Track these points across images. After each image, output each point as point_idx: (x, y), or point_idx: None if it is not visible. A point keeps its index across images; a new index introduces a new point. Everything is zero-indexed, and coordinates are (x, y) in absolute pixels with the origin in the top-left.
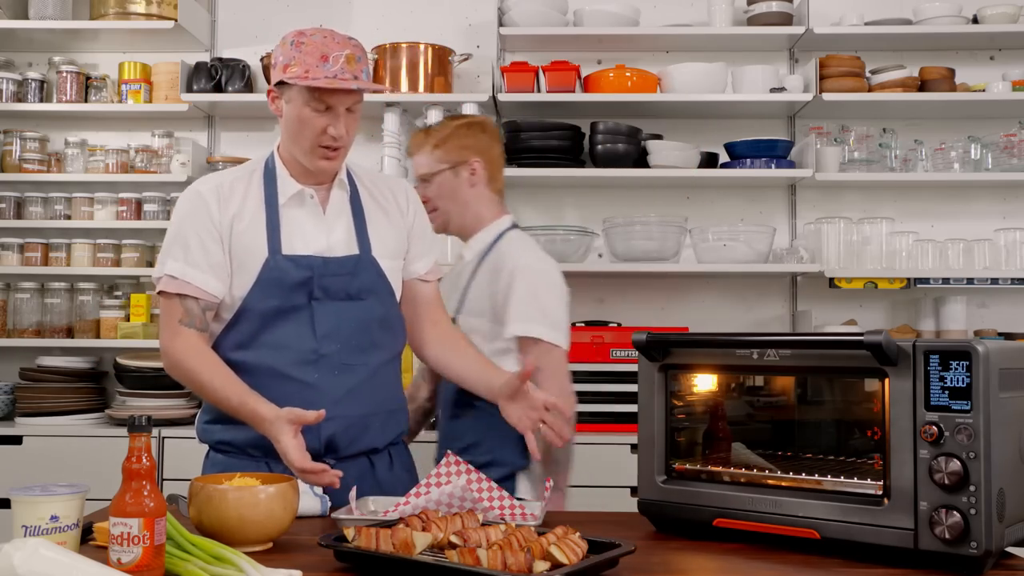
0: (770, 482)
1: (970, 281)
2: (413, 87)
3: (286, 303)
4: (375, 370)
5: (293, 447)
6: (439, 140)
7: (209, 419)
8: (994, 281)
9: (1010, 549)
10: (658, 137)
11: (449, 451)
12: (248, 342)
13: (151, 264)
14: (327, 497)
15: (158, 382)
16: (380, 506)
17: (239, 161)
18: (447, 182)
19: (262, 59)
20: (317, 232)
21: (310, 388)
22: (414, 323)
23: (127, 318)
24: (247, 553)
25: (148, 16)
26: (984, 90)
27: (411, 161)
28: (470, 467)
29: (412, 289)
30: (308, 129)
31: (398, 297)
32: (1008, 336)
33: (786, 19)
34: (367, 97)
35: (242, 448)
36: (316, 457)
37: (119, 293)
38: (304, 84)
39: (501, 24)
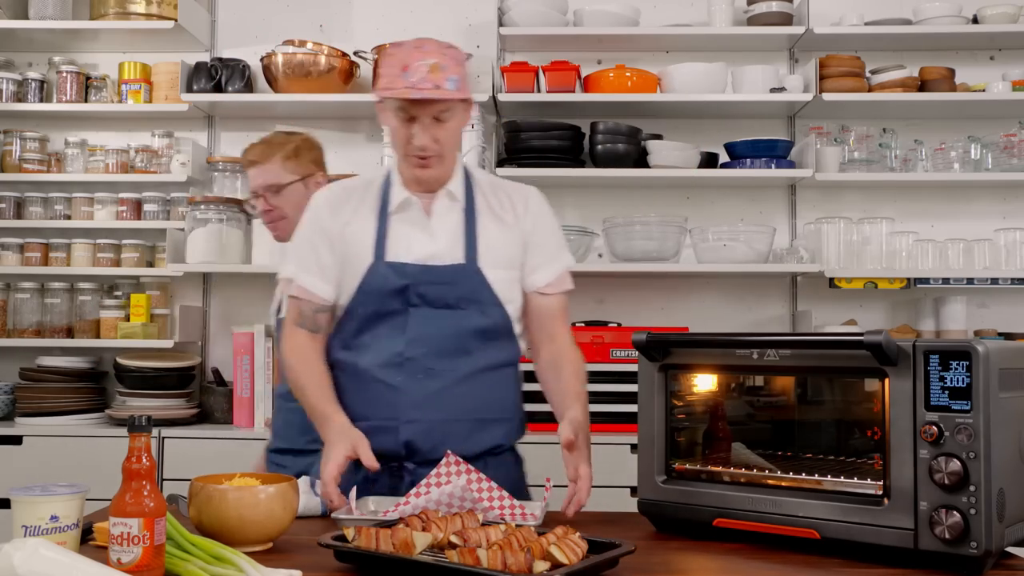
0: (770, 482)
1: (970, 281)
2: None
3: (383, 308)
4: (465, 377)
5: (334, 463)
6: (290, 153)
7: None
8: (994, 281)
9: (1010, 549)
10: (658, 137)
11: (449, 451)
12: (350, 343)
13: (151, 264)
14: None
15: (158, 382)
16: (380, 506)
17: (239, 161)
18: (297, 192)
19: (262, 59)
20: (422, 240)
21: (393, 390)
22: (533, 336)
23: (127, 318)
24: (247, 553)
25: (148, 16)
26: (984, 90)
27: (250, 171)
28: (470, 467)
29: (531, 302)
30: (398, 139)
31: (514, 307)
32: (1008, 336)
33: (786, 19)
34: (369, 97)
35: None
36: (396, 459)
37: (119, 293)
38: (381, 96)
39: (501, 24)
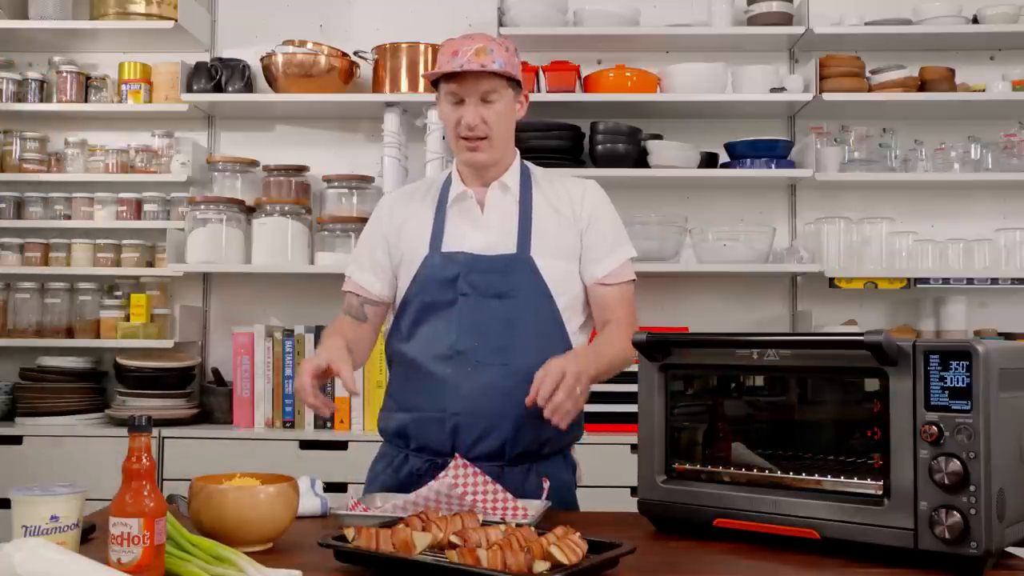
0: (770, 482)
1: (970, 281)
2: (413, 87)
3: (435, 298)
4: (515, 373)
5: (304, 370)
6: None
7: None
8: (994, 281)
9: (1010, 549)
10: (658, 137)
11: (458, 455)
12: (407, 335)
13: (151, 264)
14: (327, 497)
15: (158, 382)
16: (385, 501)
17: (239, 161)
18: None
19: (262, 59)
20: (474, 231)
21: (442, 382)
22: (596, 327)
23: (127, 318)
24: (247, 553)
25: (148, 16)
26: (984, 90)
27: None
28: (477, 471)
29: (593, 293)
30: (448, 123)
31: (566, 299)
32: (1008, 336)
33: (786, 19)
34: (368, 97)
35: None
36: (442, 455)
37: (119, 293)
38: (431, 78)
39: (501, 24)
